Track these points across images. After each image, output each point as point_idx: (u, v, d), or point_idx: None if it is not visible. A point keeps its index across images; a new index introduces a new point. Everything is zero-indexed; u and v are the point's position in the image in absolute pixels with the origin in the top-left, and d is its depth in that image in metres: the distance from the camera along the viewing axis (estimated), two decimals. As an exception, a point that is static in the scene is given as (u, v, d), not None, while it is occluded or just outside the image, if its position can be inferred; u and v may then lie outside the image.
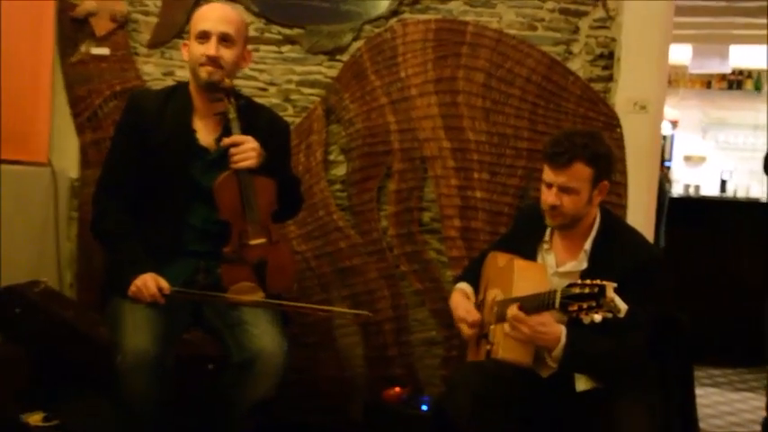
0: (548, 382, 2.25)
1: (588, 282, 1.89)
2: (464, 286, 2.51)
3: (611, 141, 3.00)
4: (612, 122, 3.06)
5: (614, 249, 2.20)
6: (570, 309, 1.89)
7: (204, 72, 2.32)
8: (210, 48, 2.31)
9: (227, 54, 2.34)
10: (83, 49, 3.21)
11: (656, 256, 2.27)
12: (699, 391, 3.30)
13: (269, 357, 2.20)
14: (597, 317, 1.86)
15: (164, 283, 2.26)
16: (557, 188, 2.19)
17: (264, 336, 2.23)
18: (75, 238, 3.24)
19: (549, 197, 2.21)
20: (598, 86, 3.09)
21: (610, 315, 1.86)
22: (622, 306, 1.86)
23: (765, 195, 6.11)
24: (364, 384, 3.21)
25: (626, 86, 3.07)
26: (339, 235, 3.20)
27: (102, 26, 3.18)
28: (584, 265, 2.24)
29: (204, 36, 2.33)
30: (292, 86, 3.22)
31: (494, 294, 2.36)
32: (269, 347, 2.21)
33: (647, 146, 3.09)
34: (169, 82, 3.15)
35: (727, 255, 5.04)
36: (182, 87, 2.47)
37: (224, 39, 2.34)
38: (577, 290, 1.89)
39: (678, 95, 6.84)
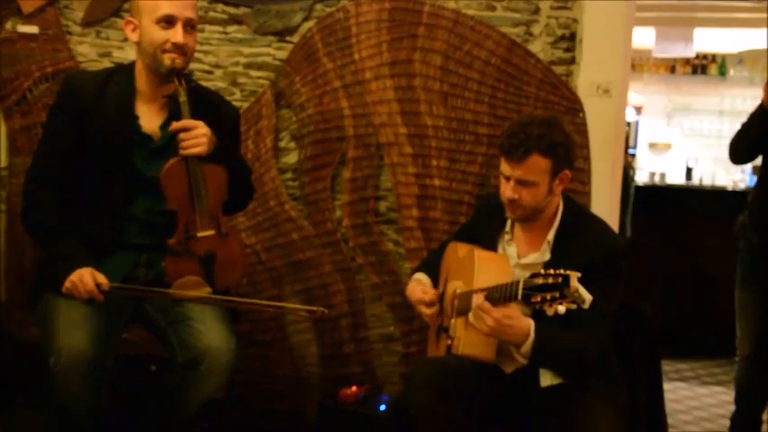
0: (511, 378, 2.26)
1: (552, 272, 1.89)
2: (420, 276, 2.53)
3: (574, 126, 3.02)
4: (575, 107, 3.09)
5: (578, 240, 2.22)
6: (533, 300, 1.90)
7: (169, 59, 2.27)
8: (178, 34, 2.27)
9: (191, 40, 2.32)
10: (8, 26, 3.13)
11: (621, 246, 2.30)
12: (666, 385, 3.33)
13: (216, 355, 2.18)
14: (561, 308, 1.87)
15: (102, 279, 2.21)
16: (514, 181, 2.20)
17: (211, 333, 2.21)
18: (3, 231, 3.16)
19: (507, 190, 2.22)
20: (560, 69, 3.11)
21: (574, 306, 1.87)
22: (587, 296, 1.87)
23: (731, 183, 6.24)
24: (319, 384, 3.21)
25: (588, 69, 3.09)
26: (291, 226, 3.18)
27: (29, 2, 3.09)
28: (547, 257, 2.26)
29: (169, 21, 2.27)
30: (239, 69, 3.19)
31: (454, 286, 2.37)
32: (216, 345, 2.19)
33: (610, 131, 3.12)
34: (106, 63, 3.09)
35: (694, 245, 5.13)
36: (123, 70, 2.41)
37: (188, 24, 2.31)
38: (540, 280, 1.90)
39: (642, 80, 6.93)
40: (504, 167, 2.22)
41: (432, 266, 2.55)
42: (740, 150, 3.18)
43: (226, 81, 3.18)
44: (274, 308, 2.77)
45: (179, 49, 2.27)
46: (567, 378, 2.21)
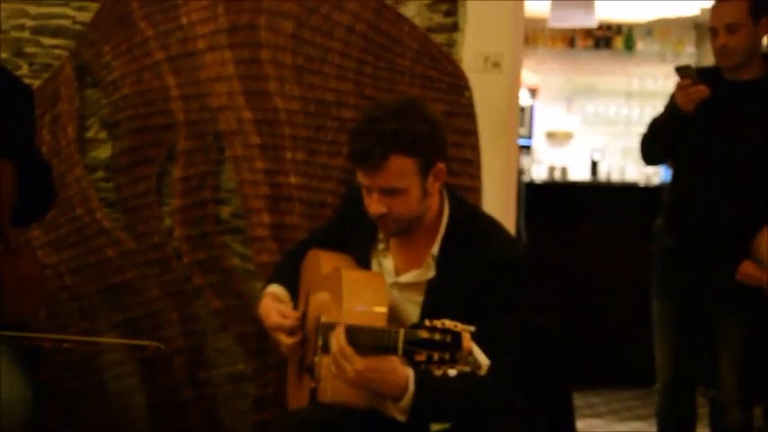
0: (394, 422, 2.25)
1: (439, 325, 1.89)
2: (275, 289, 2.49)
3: (459, 108, 3.11)
4: (459, 83, 3.16)
5: (469, 251, 2.25)
6: (417, 358, 1.89)
7: None
8: None
9: None
10: None
11: (521, 256, 2.34)
12: (578, 423, 3.43)
13: (6, 411, 2.15)
14: (452, 372, 1.88)
15: None
16: (377, 193, 2.21)
17: None
18: None
19: (371, 205, 2.23)
20: (440, 38, 3.18)
21: (468, 369, 1.88)
22: (483, 361, 1.89)
23: (643, 178, 6.51)
24: (149, 442, 3.17)
25: (474, 38, 3.18)
26: (105, 240, 3.13)
27: None
28: (431, 274, 2.27)
29: None
30: (26, 35, 3.11)
31: (319, 308, 2.36)
32: (5, 397, 2.15)
33: (503, 112, 3.23)
34: None
35: (603, 251, 5.30)
36: None
37: None
38: (425, 334, 1.89)
39: (536, 56, 7.11)
40: (362, 177, 2.22)
41: (289, 274, 2.53)
42: (654, 155, 3.37)
43: (7, 51, 3.09)
44: (89, 344, 2.69)
45: None
46: (461, 424, 2.23)
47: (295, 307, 2.47)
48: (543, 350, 2.49)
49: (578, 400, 4.84)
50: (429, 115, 2.21)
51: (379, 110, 2.21)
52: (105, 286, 3.13)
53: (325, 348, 2.21)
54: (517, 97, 3.39)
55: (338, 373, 2.09)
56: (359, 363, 2.04)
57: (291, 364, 2.51)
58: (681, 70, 3.09)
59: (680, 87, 3.08)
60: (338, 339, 2.07)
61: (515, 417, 2.28)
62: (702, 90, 3.03)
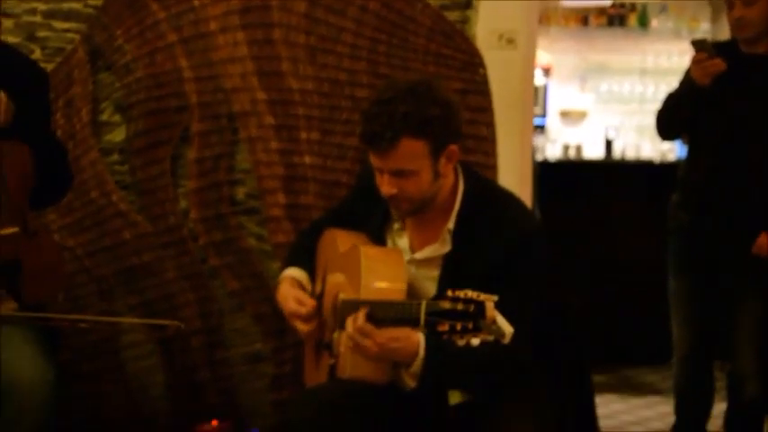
0: (413, 396, 2.26)
1: (461, 295, 1.89)
2: (295, 273, 2.48)
3: (473, 86, 3.10)
4: (474, 61, 3.15)
5: (485, 224, 2.25)
6: (440, 329, 1.90)
7: None
8: None
9: None
10: None
11: (538, 227, 2.35)
12: (596, 398, 3.42)
13: (28, 392, 2.17)
14: (475, 341, 1.88)
15: None
16: (388, 174, 2.21)
17: (21, 362, 2.18)
18: None
19: (382, 185, 2.23)
20: (453, 15, 3.17)
21: (491, 338, 1.88)
22: (507, 329, 1.89)
23: (659, 155, 6.49)
24: (169, 422, 3.18)
25: (488, 15, 3.17)
26: (121, 223, 3.15)
27: None
28: (448, 248, 2.28)
29: None
30: (38, 19, 3.13)
31: (336, 287, 2.36)
32: (27, 377, 2.16)
33: (518, 90, 3.21)
34: None
35: (618, 229, 5.30)
36: None
37: None
38: (448, 304, 1.90)
39: (549, 35, 7.08)
40: (373, 158, 2.23)
41: (306, 255, 2.52)
42: (670, 129, 3.37)
43: (19, 35, 3.11)
44: (109, 324, 2.69)
45: None
46: (477, 395, 2.24)
47: (313, 284, 2.48)
48: (561, 326, 2.48)
49: (596, 375, 4.83)
50: (441, 97, 2.21)
51: (390, 91, 2.20)
52: (122, 268, 3.15)
53: (344, 325, 2.20)
54: (532, 74, 3.39)
55: (360, 351, 2.09)
56: (380, 336, 2.05)
57: (308, 344, 2.51)
58: (697, 44, 3.07)
59: (696, 61, 3.06)
60: (358, 318, 2.08)
61: (533, 390, 2.28)
62: (718, 63, 3.01)
